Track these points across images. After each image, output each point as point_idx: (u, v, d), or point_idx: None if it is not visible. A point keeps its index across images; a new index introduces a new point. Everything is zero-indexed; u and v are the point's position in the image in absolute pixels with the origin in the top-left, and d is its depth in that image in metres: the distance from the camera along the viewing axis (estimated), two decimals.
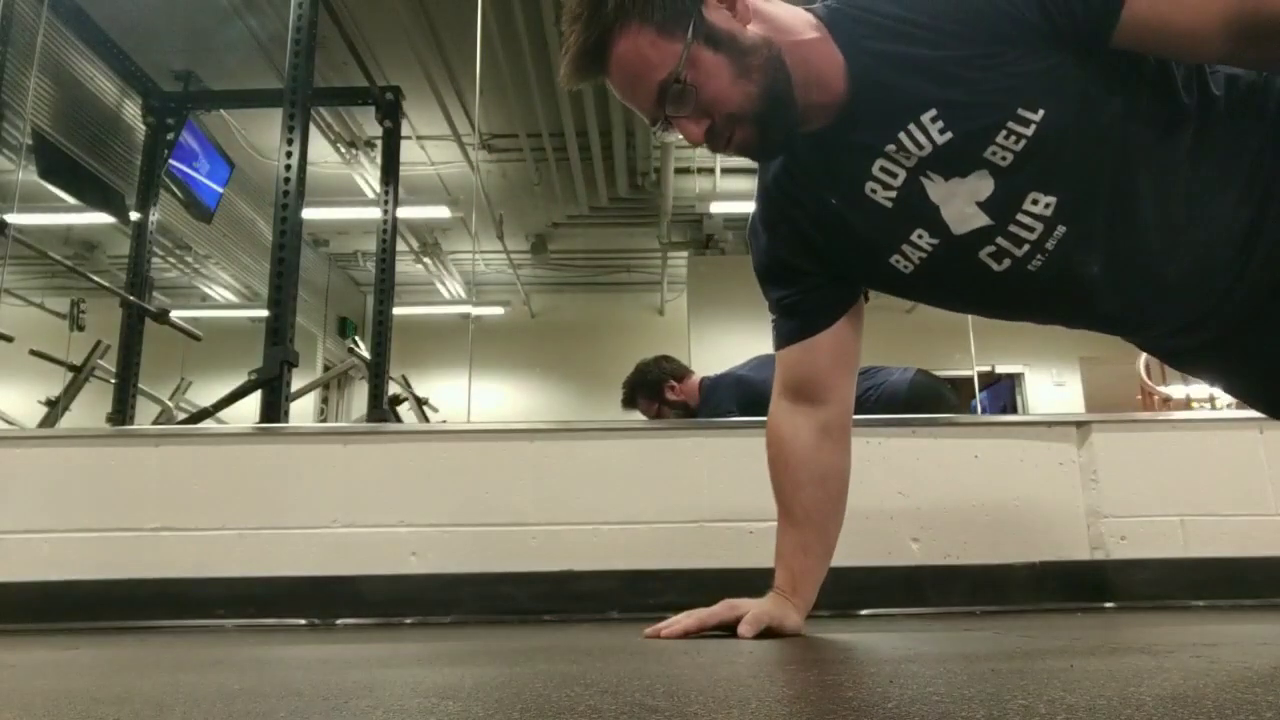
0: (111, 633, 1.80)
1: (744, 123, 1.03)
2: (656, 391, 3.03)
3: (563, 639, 1.34)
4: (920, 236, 1.07)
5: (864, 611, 1.90)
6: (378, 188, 5.37)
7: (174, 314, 4.10)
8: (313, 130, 5.73)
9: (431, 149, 6.80)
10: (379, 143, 5.02)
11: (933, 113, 0.99)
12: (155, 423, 4.92)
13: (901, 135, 1.01)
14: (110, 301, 4.51)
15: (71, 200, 4.51)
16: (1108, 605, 1.93)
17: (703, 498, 2.01)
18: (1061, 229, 1.01)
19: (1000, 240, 1.04)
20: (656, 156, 6.77)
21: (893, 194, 1.06)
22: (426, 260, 8.75)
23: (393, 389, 4.58)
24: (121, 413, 3.89)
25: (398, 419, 4.49)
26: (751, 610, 1.19)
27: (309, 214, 3.31)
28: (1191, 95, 0.98)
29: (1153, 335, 1.16)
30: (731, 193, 7.42)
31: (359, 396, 8.24)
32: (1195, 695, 0.55)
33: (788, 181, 1.18)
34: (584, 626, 1.73)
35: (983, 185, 1.01)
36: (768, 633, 1.16)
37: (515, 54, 5.38)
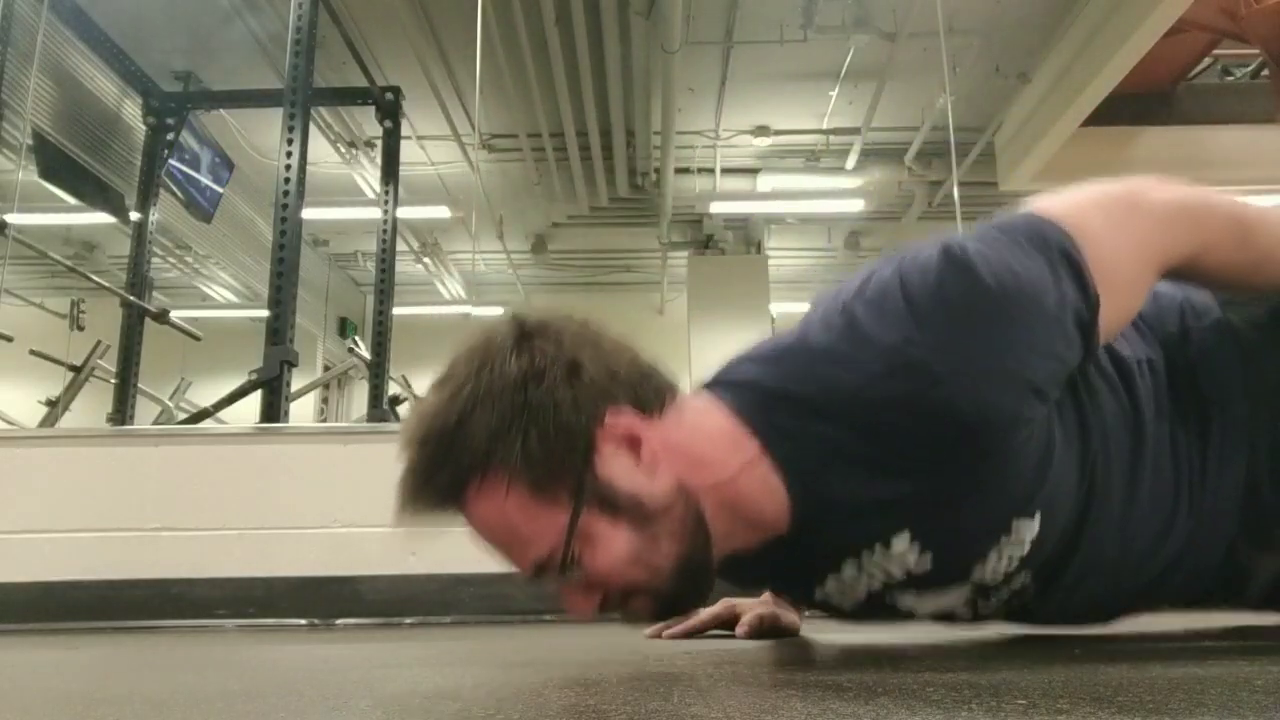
0: (111, 633, 1.79)
1: (644, 596, 0.79)
2: None
3: (562, 639, 1.34)
4: (884, 617, 0.91)
5: None
6: (378, 188, 5.37)
7: (174, 314, 4.10)
8: (313, 130, 5.72)
9: (431, 149, 6.80)
10: (379, 143, 5.02)
11: (906, 535, 0.79)
12: (155, 423, 4.92)
13: (865, 555, 0.81)
14: (110, 301, 4.51)
15: (71, 200, 4.51)
16: None
17: None
18: (1029, 584, 0.86)
19: (970, 606, 0.89)
20: (656, 156, 6.77)
21: (851, 602, 0.88)
22: (426, 260, 8.75)
23: (393, 389, 4.58)
24: (121, 413, 3.89)
25: (398, 419, 4.49)
26: (750, 610, 1.19)
27: (309, 214, 3.31)
28: (1141, 403, 0.85)
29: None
30: (731, 193, 7.42)
31: (359, 396, 8.24)
32: (1195, 695, 0.55)
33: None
34: (584, 627, 1.73)
35: (964, 592, 0.85)
36: (766, 633, 1.17)
37: (515, 54, 5.38)
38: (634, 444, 0.77)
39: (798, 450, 0.77)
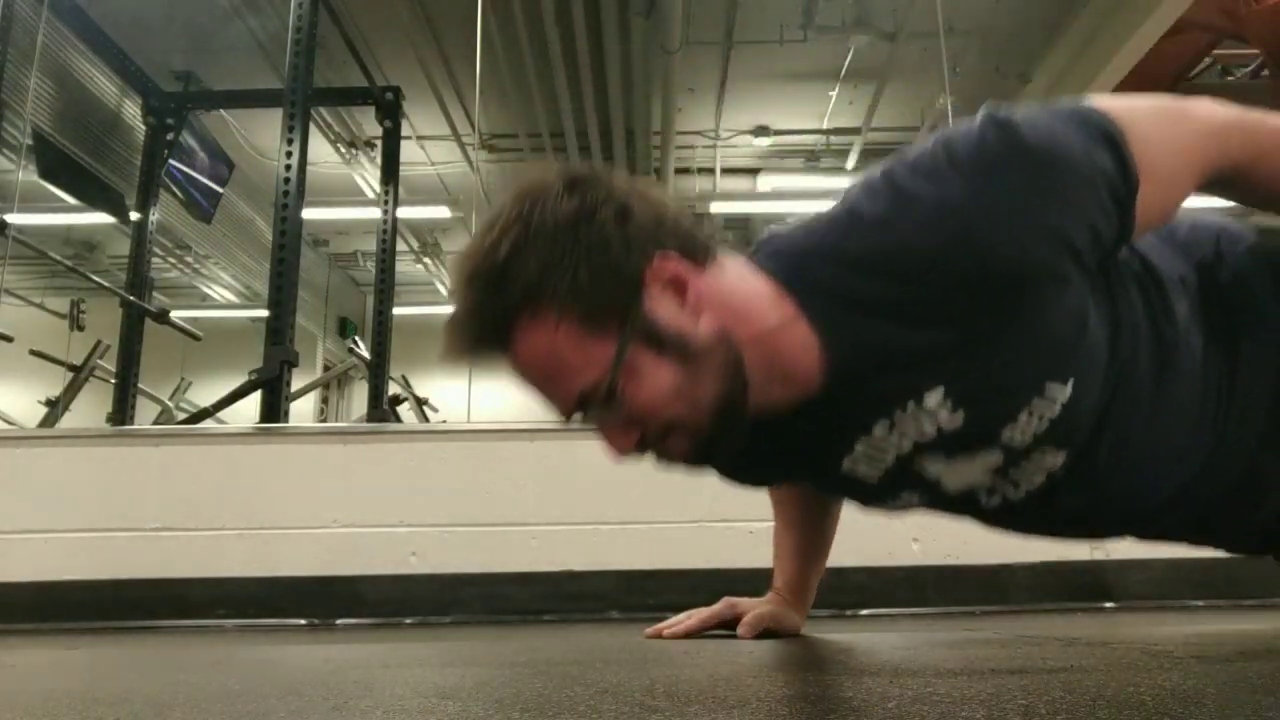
0: (111, 633, 1.80)
1: (682, 433, 0.81)
2: None
3: (563, 639, 1.34)
4: (910, 495, 0.92)
5: (864, 611, 1.90)
6: (378, 188, 5.38)
7: (174, 314, 4.10)
8: (313, 130, 5.73)
9: (431, 149, 6.80)
10: (379, 143, 5.03)
11: (940, 391, 0.79)
12: (155, 423, 4.92)
13: (898, 413, 0.82)
14: (110, 301, 4.52)
15: (71, 200, 4.51)
16: (1108, 605, 1.93)
17: (703, 498, 2.01)
18: (1062, 474, 0.86)
19: (998, 483, 0.88)
20: (656, 156, 6.77)
21: (879, 471, 0.88)
22: (426, 260, 8.75)
23: (393, 389, 4.58)
24: (121, 413, 3.89)
25: (398, 419, 4.49)
26: (751, 611, 1.19)
27: (309, 214, 3.31)
28: (1169, 316, 0.86)
29: (1110, 534, 1.03)
30: (732, 193, 7.43)
31: (359, 396, 8.25)
32: (1195, 694, 0.55)
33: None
34: (584, 626, 1.73)
35: (992, 458, 0.84)
36: (767, 633, 1.17)
37: (515, 54, 5.38)
38: (680, 288, 0.79)
39: (834, 306, 0.78)
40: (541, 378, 0.81)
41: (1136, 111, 0.76)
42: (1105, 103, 0.76)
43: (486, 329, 0.79)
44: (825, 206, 0.83)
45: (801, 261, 0.80)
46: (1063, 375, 0.78)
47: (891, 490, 0.91)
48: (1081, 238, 0.73)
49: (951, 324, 0.76)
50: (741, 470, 1.04)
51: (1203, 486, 0.88)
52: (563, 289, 0.76)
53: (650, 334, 0.77)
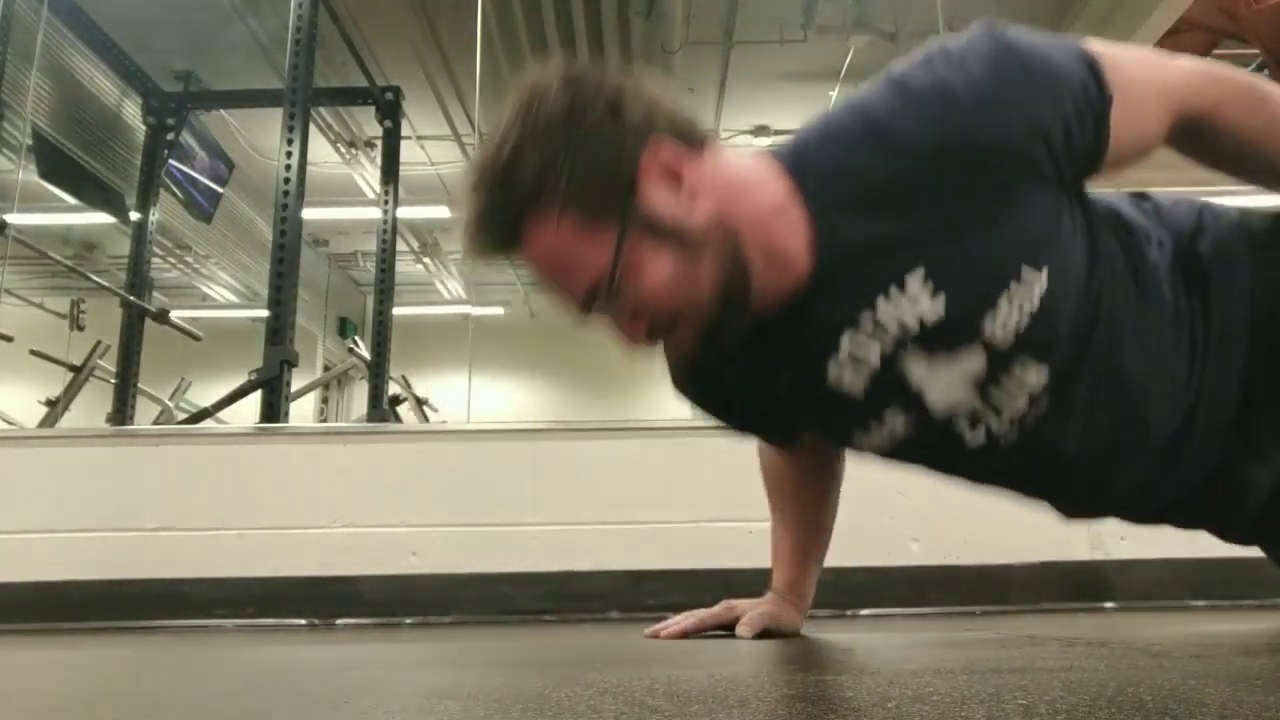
0: (111, 633, 1.80)
1: (688, 321, 0.83)
2: None
3: (563, 639, 1.34)
4: (893, 415, 0.90)
5: (864, 611, 1.90)
6: (378, 188, 5.37)
7: (174, 314, 4.10)
8: (313, 130, 5.72)
9: (431, 149, 6.80)
10: (379, 143, 5.03)
11: (920, 273, 0.81)
12: (155, 423, 4.92)
13: (880, 301, 0.82)
14: (110, 301, 4.52)
15: (71, 200, 4.51)
16: (1108, 605, 1.93)
17: (703, 498, 2.01)
18: (1045, 401, 0.86)
19: (979, 407, 0.87)
20: None
21: (862, 380, 0.87)
22: (426, 260, 8.75)
23: (393, 389, 4.58)
24: (121, 413, 3.89)
25: (398, 419, 4.49)
26: (750, 611, 1.19)
27: (309, 214, 3.30)
28: (1146, 262, 0.88)
29: (1100, 507, 1.01)
30: None
31: (359, 396, 8.24)
32: (1195, 695, 0.55)
33: (715, 361, 0.95)
34: (584, 626, 1.73)
35: (973, 363, 0.84)
36: (766, 633, 1.16)
37: (515, 54, 5.38)
38: (675, 176, 0.82)
39: (825, 185, 0.82)
40: (552, 276, 0.84)
41: (1114, 48, 0.83)
42: (1085, 42, 0.83)
43: (496, 231, 0.83)
44: None
45: (799, 146, 0.85)
46: (1037, 262, 0.81)
47: (876, 409, 0.90)
48: (1056, 134, 0.78)
49: (934, 205, 0.80)
50: (732, 401, 1.05)
51: (1189, 452, 0.89)
52: (560, 186, 0.79)
53: (647, 224, 0.80)
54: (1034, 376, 0.85)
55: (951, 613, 1.89)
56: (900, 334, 0.83)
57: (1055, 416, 0.87)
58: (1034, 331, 0.82)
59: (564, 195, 0.79)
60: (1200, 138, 0.85)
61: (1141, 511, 0.98)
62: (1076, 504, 0.99)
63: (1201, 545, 1.95)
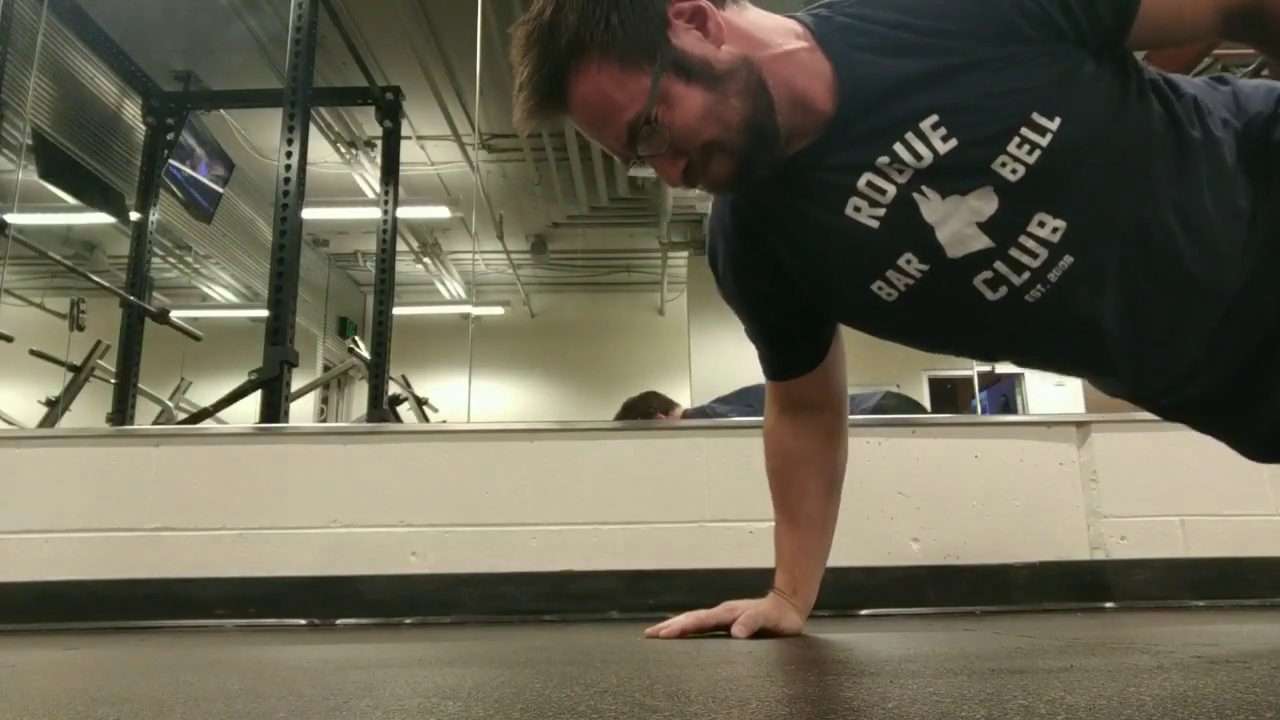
0: (111, 633, 1.80)
1: (722, 154, 0.91)
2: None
3: (563, 639, 1.34)
4: (909, 261, 0.93)
5: (864, 611, 1.90)
6: (378, 188, 5.37)
7: (174, 314, 4.10)
8: (313, 130, 5.72)
9: (431, 149, 6.80)
10: (379, 143, 5.03)
11: (934, 119, 0.86)
12: (155, 423, 4.92)
13: (897, 146, 0.88)
14: (110, 301, 4.52)
15: (71, 200, 4.51)
16: (1108, 605, 1.93)
17: (703, 498, 2.01)
18: (1068, 259, 0.88)
19: (999, 265, 0.90)
20: None
21: (880, 212, 0.91)
22: (426, 260, 8.76)
23: (393, 389, 4.58)
24: (121, 413, 3.89)
25: (398, 419, 4.49)
26: (747, 611, 1.19)
27: (309, 214, 3.31)
28: (1195, 129, 0.89)
29: (1142, 389, 1.03)
30: None
31: (359, 396, 8.25)
32: (1195, 695, 0.55)
33: (748, 209, 1.05)
34: (584, 626, 1.73)
35: (985, 204, 0.88)
36: (764, 633, 1.16)
37: None
38: (702, 19, 0.91)
39: (846, 34, 0.90)
40: (595, 123, 0.93)
41: None
42: None
43: (543, 90, 0.92)
44: None
45: (822, 6, 0.94)
46: (1048, 110, 0.85)
47: (892, 250, 0.93)
48: None
49: (950, 52, 0.86)
50: (769, 296, 1.10)
51: (1229, 334, 0.91)
52: (599, 36, 0.88)
53: (678, 64, 0.89)
54: (1050, 231, 0.88)
55: (951, 613, 1.89)
56: (914, 173, 0.89)
57: (1088, 282, 0.89)
58: (1044, 176, 0.85)
59: (601, 45, 0.88)
60: (1261, 25, 0.84)
61: (1175, 399, 1.01)
62: (1117, 380, 1.02)
63: (1202, 545, 1.96)
